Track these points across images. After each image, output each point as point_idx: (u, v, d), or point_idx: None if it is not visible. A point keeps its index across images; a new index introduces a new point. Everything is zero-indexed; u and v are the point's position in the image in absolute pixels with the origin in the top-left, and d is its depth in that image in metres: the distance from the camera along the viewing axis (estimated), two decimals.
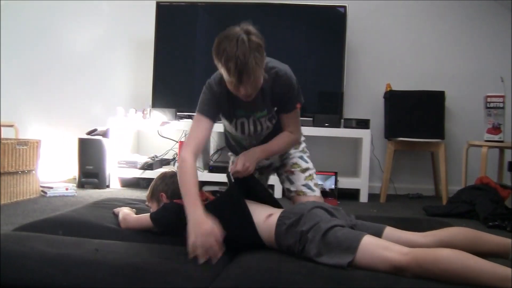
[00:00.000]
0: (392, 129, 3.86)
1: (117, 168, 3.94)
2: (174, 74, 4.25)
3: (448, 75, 4.16)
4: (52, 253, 1.40)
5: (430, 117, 3.79)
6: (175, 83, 4.27)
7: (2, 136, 3.42)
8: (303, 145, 2.18)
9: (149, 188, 1.92)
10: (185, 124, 3.96)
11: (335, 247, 1.38)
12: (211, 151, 4.33)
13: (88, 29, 4.50)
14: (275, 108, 1.85)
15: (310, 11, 3.99)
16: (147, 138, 4.45)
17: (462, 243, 1.44)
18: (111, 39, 4.49)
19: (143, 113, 4.05)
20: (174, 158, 4.24)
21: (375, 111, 4.13)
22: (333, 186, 3.56)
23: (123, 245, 1.56)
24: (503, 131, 3.55)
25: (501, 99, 3.57)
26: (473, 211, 3.09)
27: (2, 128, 3.68)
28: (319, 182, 2.94)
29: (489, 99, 3.59)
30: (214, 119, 1.78)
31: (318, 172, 2.37)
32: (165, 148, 4.33)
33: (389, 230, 1.56)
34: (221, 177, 3.68)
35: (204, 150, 4.05)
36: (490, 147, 3.52)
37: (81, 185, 3.81)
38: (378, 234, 1.52)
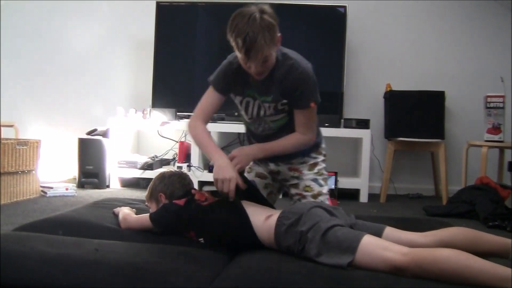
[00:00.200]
0: (392, 129, 3.86)
1: (117, 168, 3.94)
2: (174, 74, 4.25)
3: (448, 75, 4.17)
4: (52, 253, 1.40)
5: (430, 117, 3.79)
6: (175, 83, 4.27)
7: (2, 136, 3.42)
8: (319, 166, 2.03)
9: (148, 189, 1.92)
10: (185, 124, 3.95)
11: (335, 247, 1.38)
12: None
13: (88, 29, 4.50)
14: (284, 100, 1.82)
15: (310, 11, 3.98)
16: (147, 138, 4.45)
17: (462, 243, 1.44)
18: (111, 39, 4.49)
19: (143, 113, 4.04)
20: (174, 158, 4.24)
21: (375, 111, 4.13)
22: (333, 186, 3.56)
23: (123, 245, 1.56)
24: (503, 131, 3.55)
25: (501, 99, 3.57)
26: (473, 211, 3.09)
27: (2, 128, 3.68)
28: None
29: (489, 99, 3.59)
30: (224, 93, 1.89)
31: None
32: (165, 148, 4.33)
33: (389, 230, 1.56)
34: None
35: None
36: (490, 147, 3.52)
37: (81, 185, 3.81)
38: (378, 234, 1.51)
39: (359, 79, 4.23)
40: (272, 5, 1.72)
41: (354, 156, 4.16)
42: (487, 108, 3.58)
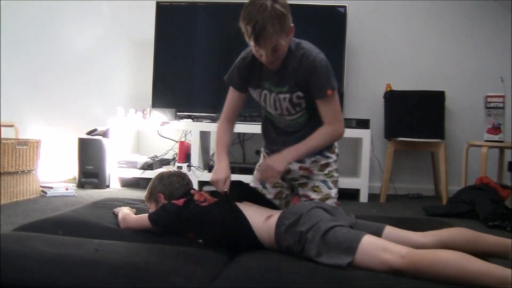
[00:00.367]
0: (392, 129, 3.86)
1: (117, 168, 3.94)
2: (174, 74, 4.25)
3: (448, 75, 4.16)
4: (52, 253, 1.40)
5: (430, 117, 3.79)
6: (175, 83, 4.27)
7: (2, 136, 3.42)
8: (330, 167, 2.01)
9: (147, 189, 1.92)
10: (185, 124, 3.96)
11: (335, 248, 1.38)
12: (211, 151, 4.33)
13: (88, 29, 4.50)
14: (299, 92, 1.82)
15: (310, 11, 3.98)
16: (147, 138, 4.45)
17: (461, 243, 1.44)
18: (111, 39, 4.49)
19: (143, 113, 4.04)
20: (174, 158, 4.24)
21: (375, 111, 4.13)
22: None
23: (123, 245, 1.56)
24: (503, 131, 3.55)
25: (501, 99, 3.57)
26: (473, 211, 3.09)
27: (2, 128, 3.68)
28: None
29: (489, 99, 3.59)
30: (241, 90, 1.94)
31: None
32: (165, 148, 4.33)
33: (389, 229, 1.56)
34: None
35: (204, 150, 4.05)
36: (490, 147, 3.52)
37: (81, 185, 3.81)
38: (378, 233, 1.52)
39: (359, 79, 4.23)
40: None
41: (354, 156, 4.16)
42: (487, 108, 3.58)
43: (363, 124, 3.82)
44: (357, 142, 3.98)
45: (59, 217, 1.95)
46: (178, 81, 4.28)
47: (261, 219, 1.60)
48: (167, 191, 1.84)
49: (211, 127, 3.95)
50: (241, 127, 3.60)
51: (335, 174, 2.02)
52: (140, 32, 4.41)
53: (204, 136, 4.06)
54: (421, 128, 3.76)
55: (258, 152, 2.22)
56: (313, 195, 1.97)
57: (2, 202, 3.02)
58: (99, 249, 1.45)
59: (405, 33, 4.26)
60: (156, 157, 4.10)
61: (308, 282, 1.28)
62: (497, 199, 3.11)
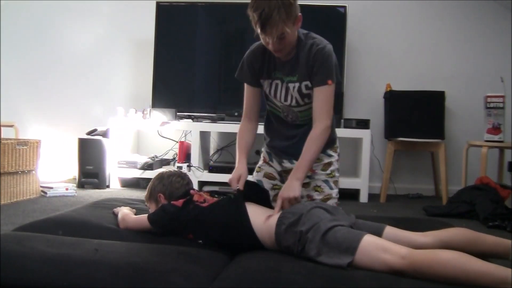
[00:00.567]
0: (392, 129, 3.86)
1: (117, 168, 3.94)
2: (174, 74, 4.25)
3: (448, 75, 4.16)
4: (52, 253, 1.40)
5: (430, 117, 3.79)
6: (175, 83, 4.27)
7: (2, 136, 3.42)
8: (332, 167, 2.01)
9: (147, 189, 1.92)
10: (185, 124, 3.96)
11: (335, 248, 1.38)
12: (211, 151, 4.33)
13: (88, 29, 4.50)
14: (308, 82, 1.83)
15: (310, 11, 3.97)
16: (147, 138, 4.45)
17: (461, 243, 1.44)
18: (111, 39, 4.49)
19: (143, 113, 4.04)
20: (174, 158, 4.24)
21: (375, 111, 4.13)
22: None
23: (123, 245, 1.56)
24: (503, 131, 3.55)
25: (501, 99, 3.56)
26: (473, 211, 3.09)
27: (2, 128, 3.69)
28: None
29: (489, 99, 3.59)
30: (253, 84, 1.94)
31: None
32: (165, 148, 4.33)
33: (389, 230, 1.56)
34: (221, 177, 3.68)
35: (204, 150, 4.05)
36: (490, 147, 3.52)
37: (81, 185, 3.81)
38: (379, 233, 1.52)
39: (359, 79, 4.23)
40: None
41: (354, 156, 4.16)
42: (487, 108, 3.58)
43: (363, 124, 3.82)
44: (357, 142, 3.98)
45: (59, 217, 1.94)
46: (178, 81, 4.28)
47: (261, 219, 1.60)
48: (167, 191, 1.84)
49: (211, 127, 3.95)
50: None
51: (337, 174, 2.03)
52: (140, 32, 4.41)
53: (204, 136, 4.06)
54: (421, 128, 3.76)
55: (258, 152, 2.21)
56: (315, 195, 1.97)
57: (2, 202, 3.02)
58: (99, 249, 1.45)
59: (405, 33, 4.26)
60: (156, 157, 4.10)
61: (308, 282, 1.28)
62: (497, 199, 3.11)
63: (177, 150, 4.11)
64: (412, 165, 4.26)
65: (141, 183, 3.98)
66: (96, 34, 4.50)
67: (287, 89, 1.88)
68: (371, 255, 1.34)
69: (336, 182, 2.02)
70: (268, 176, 2.08)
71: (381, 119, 4.09)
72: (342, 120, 3.94)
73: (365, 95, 4.24)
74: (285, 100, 1.90)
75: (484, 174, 3.45)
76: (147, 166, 3.90)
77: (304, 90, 1.86)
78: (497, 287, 1.18)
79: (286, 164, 2.02)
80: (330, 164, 2.00)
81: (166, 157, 4.30)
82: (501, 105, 3.55)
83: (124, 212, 1.90)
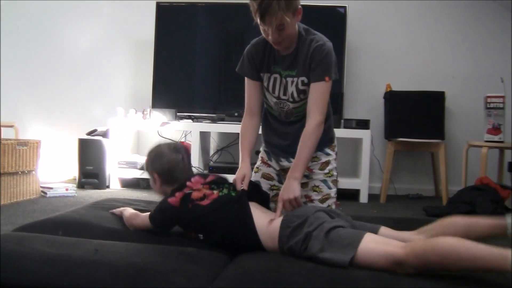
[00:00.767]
0: (392, 130, 3.86)
1: (117, 169, 3.94)
2: (174, 74, 4.25)
3: (448, 75, 4.16)
4: (52, 253, 1.40)
5: (430, 117, 3.78)
6: (175, 83, 4.27)
7: (2, 137, 3.42)
8: (330, 166, 2.00)
9: (146, 160, 1.86)
10: (185, 125, 3.96)
11: (338, 243, 1.40)
12: (211, 152, 4.33)
13: (88, 30, 4.51)
14: (304, 77, 1.83)
15: (310, 11, 3.97)
16: (147, 138, 4.45)
17: (457, 232, 1.44)
18: (111, 39, 4.49)
19: (143, 113, 4.04)
20: None
21: (375, 111, 4.13)
22: None
23: (123, 245, 1.55)
24: (503, 132, 3.54)
25: (501, 100, 3.56)
26: (473, 211, 3.09)
27: (2, 128, 3.69)
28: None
29: (489, 100, 3.59)
30: (254, 78, 1.93)
31: None
32: None
33: (383, 230, 1.58)
34: None
35: (204, 150, 4.05)
36: (490, 147, 3.52)
37: (81, 185, 3.81)
38: (374, 233, 1.53)
39: (359, 79, 4.23)
40: None
41: (354, 156, 4.16)
42: (487, 108, 3.58)
43: (363, 124, 3.82)
44: (357, 142, 3.98)
45: (59, 218, 1.94)
46: (178, 81, 4.28)
47: (264, 222, 1.59)
48: (165, 176, 1.78)
49: (211, 128, 3.95)
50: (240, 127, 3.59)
51: (335, 173, 2.02)
52: (140, 32, 4.41)
53: (204, 137, 4.06)
54: (421, 128, 3.75)
55: (258, 153, 2.20)
56: (314, 196, 1.97)
57: (2, 202, 3.01)
58: (99, 249, 1.45)
59: (405, 33, 4.26)
60: None
61: (308, 282, 1.28)
62: (497, 200, 3.11)
63: None
64: (412, 165, 4.26)
65: (141, 183, 3.98)
66: (96, 35, 4.50)
67: (286, 83, 1.88)
68: (374, 249, 1.35)
69: (334, 181, 2.01)
70: (266, 176, 2.08)
71: (381, 119, 4.09)
72: (342, 120, 3.94)
73: (365, 95, 4.24)
74: (284, 94, 1.90)
75: (484, 175, 3.45)
76: None
77: (300, 86, 1.86)
78: (498, 266, 1.19)
79: (284, 162, 2.02)
80: (328, 163, 2.00)
81: None
82: (501, 105, 3.55)
83: (131, 211, 1.88)
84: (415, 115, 3.79)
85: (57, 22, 4.53)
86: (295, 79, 1.85)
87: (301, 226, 1.50)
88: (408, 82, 4.08)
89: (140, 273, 1.31)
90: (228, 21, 4.21)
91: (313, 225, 1.47)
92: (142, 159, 3.99)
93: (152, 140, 4.28)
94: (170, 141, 1.95)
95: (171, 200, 1.68)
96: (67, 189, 3.48)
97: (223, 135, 4.29)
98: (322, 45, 1.80)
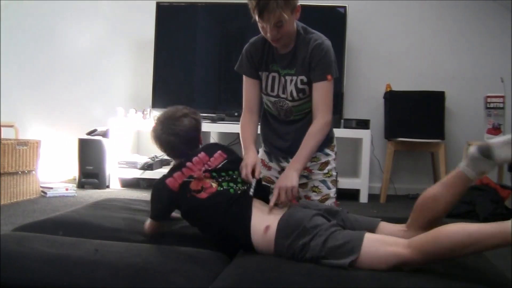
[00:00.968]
0: (392, 130, 3.86)
1: (117, 169, 3.94)
2: (174, 74, 4.25)
3: (448, 75, 4.16)
4: (52, 253, 1.40)
5: (430, 117, 3.79)
6: (175, 83, 4.27)
7: (2, 136, 3.43)
8: (329, 166, 2.00)
9: (152, 127, 1.83)
10: None
11: (337, 251, 1.37)
12: None
13: (88, 30, 4.50)
14: (304, 76, 1.83)
15: (310, 11, 3.97)
16: (147, 138, 4.44)
17: (437, 204, 1.45)
18: (111, 39, 4.49)
19: (143, 113, 4.05)
20: None
21: (375, 111, 4.13)
22: None
23: (123, 245, 1.55)
24: (503, 132, 3.55)
25: (501, 100, 3.57)
26: (473, 211, 3.09)
27: (2, 128, 3.69)
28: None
29: (489, 100, 3.59)
30: (252, 76, 1.92)
31: None
32: None
33: (383, 225, 1.56)
34: None
35: None
36: None
37: (81, 185, 3.81)
38: (373, 228, 1.53)
39: (359, 79, 4.23)
40: None
41: (354, 156, 4.16)
42: (487, 108, 3.58)
43: (363, 124, 3.82)
44: (357, 142, 3.98)
45: (59, 218, 1.95)
46: (178, 81, 4.28)
47: (261, 228, 1.51)
48: (169, 148, 1.77)
49: (211, 128, 3.95)
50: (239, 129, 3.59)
51: (334, 173, 2.02)
52: (140, 32, 4.41)
53: (204, 137, 4.05)
54: (421, 128, 3.76)
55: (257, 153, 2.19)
56: (313, 196, 1.97)
57: (2, 202, 3.02)
58: (99, 249, 1.45)
59: (405, 33, 4.26)
60: (156, 157, 4.10)
61: (308, 282, 1.27)
62: (497, 200, 3.11)
63: None
64: (412, 165, 4.26)
65: (141, 183, 3.98)
66: (96, 35, 4.50)
67: (284, 82, 1.88)
68: (375, 251, 1.34)
69: (334, 181, 2.01)
70: (266, 180, 2.06)
71: (381, 119, 4.09)
72: (342, 120, 3.94)
73: (365, 95, 4.24)
74: (283, 93, 1.89)
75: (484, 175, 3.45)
76: (147, 166, 3.90)
77: (299, 85, 1.86)
78: (501, 242, 1.20)
79: (284, 163, 2.01)
80: (327, 163, 2.00)
81: (166, 157, 4.30)
82: (501, 105, 3.55)
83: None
84: (415, 115, 3.79)
85: (57, 22, 4.52)
86: (294, 77, 1.85)
87: (298, 238, 1.44)
88: (408, 82, 4.08)
89: (140, 273, 1.31)
90: (228, 21, 4.21)
91: (310, 235, 1.42)
92: (142, 159, 4.00)
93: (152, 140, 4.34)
94: (182, 107, 1.88)
95: (169, 181, 1.63)
96: (67, 189, 3.48)
97: (223, 135, 4.29)
98: (321, 44, 1.80)
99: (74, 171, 3.99)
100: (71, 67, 4.50)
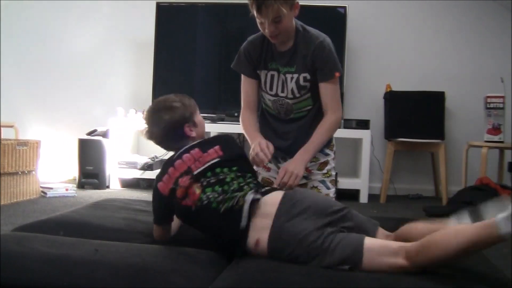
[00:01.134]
0: (392, 130, 3.86)
1: (117, 169, 3.94)
2: (174, 74, 4.25)
3: (448, 75, 4.16)
4: (52, 253, 1.40)
5: (430, 117, 3.79)
6: (175, 83, 4.26)
7: (2, 137, 3.42)
8: (329, 166, 2.00)
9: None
10: None
11: (336, 266, 1.34)
12: None
13: (88, 30, 4.50)
14: (306, 74, 1.83)
15: (310, 11, 3.97)
16: None
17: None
18: (111, 39, 4.49)
19: (143, 113, 4.03)
20: None
21: (375, 112, 4.13)
22: None
23: (123, 245, 1.55)
24: (503, 132, 3.54)
25: (501, 100, 3.57)
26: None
27: (2, 128, 3.69)
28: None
29: (489, 100, 3.59)
30: (249, 75, 1.94)
31: None
32: None
33: (380, 232, 1.55)
34: None
35: None
36: (490, 147, 3.52)
37: (81, 185, 3.81)
38: (374, 232, 1.51)
39: (359, 79, 4.23)
40: None
41: (354, 156, 4.16)
42: (487, 108, 3.58)
43: (363, 124, 3.82)
44: (357, 142, 3.98)
45: (59, 218, 1.94)
46: (178, 81, 4.28)
47: (251, 241, 1.45)
48: (154, 141, 1.70)
49: (211, 128, 3.95)
50: (240, 128, 3.59)
51: (333, 173, 2.02)
52: (140, 32, 4.41)
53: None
54: (421, 128, 3.76)
55: None
56: None
57: (2, 202, 3.01)
58: (99, 249, 1.45)
59: (405, 34, 4.26)
60: (156, 157, 4.10)
61: (308, 282, 1.27)
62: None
63: None
64: (412, 165, 4.26)
65: (141, 183, 3.98)
66: (96, 34, 4.50)
67: (284, 80, 1.87)
68: (375, 262, 1.32)
69: (333, 181, 2.01)
70: (265, 181, 2.06)
71: (381, 120, 4.09)
72: (342, 120, 3.94)
73: (365, 95, 4.24)
74: (282, 91, 1.89)
75: (484, 175, 3.45)
76: (147, 167, 3.90)
77: (302, 82, 1.86)
78: (489, 240, 1.21)
79: (282, 164, 2.00)
80: (326, 163, 2.00)
81: (166, 157, 4.28)
82: (501, 105, 3.55)
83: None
84: (415, 115, 3.79)
85: (57, 22, 4.52)
86: (295, 75, 1.85)
87: (291, 255, 1.39)
88: (408, 82, 4.08)
89: (140, 273, 1.31)
90: (228, 21, 4.21)
91: (304, 253, 1.37)
92: (142, 159, 4.00)
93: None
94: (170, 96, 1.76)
95: (160, 186, 1.58)
96: (67, 189, 3.48)
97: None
98: (322, 42, 1.81)
99: (74, 171, 3.99)
100: (71, 67, 4.50)
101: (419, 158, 4.22)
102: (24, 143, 3.26)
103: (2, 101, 4.38)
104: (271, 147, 1.77)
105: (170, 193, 1.56)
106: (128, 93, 4.47)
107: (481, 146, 3.54)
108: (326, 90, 1.85)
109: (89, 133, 3.97)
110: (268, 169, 2.07)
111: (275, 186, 1.63)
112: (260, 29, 1.78)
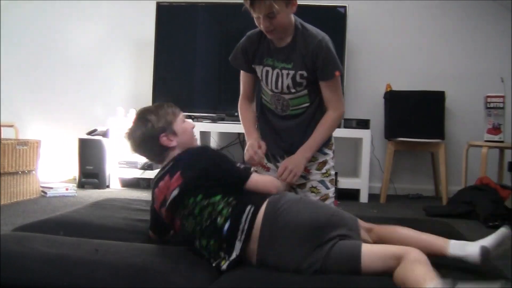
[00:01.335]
0: (392, 130, 3.86)
1: (117, 168, 3.94)
2: (174, 74, 4.25)
3: (448, 75, 4.16)
4: (52, 253, 1.40)
5: (430, 117, 3.79)
6: (175, 83, 4.27)
7: (2, 136, 3.42)
8: (327, 165, 1.98)
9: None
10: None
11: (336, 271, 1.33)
12: None
13: (88, 30, 4.50)
14: (303, 71, 1.83)
15: (310, 11, 3.97)
16: None
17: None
18: (111, 39, 4.49)
19: None
20: None
21: (375, 111, 4.13)
22: None
23: (123, 245, 1.55)
24: (503, 132, 3.55)
25: (501, 99, 3.57)
26: (473, 211, 3.09)
27: (2, 128, 3.68)
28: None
29: (489, 99, 3.59)
30: (246, 68, 1.95)
31: None
32: None
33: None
34: None
35: None
36: (490, 147, 3.52)
37: (81, 185, 3.81)
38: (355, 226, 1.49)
39: (359, 79, 4.23)
40: None
41: (354, 156, 4.16)
42: (487, 108, 3.58)
43: (363, 124, 3.82)
44: (357, 142, 3.98)
45: (59, 218, 1.95)
46: (178, 81, 4.28)
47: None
48: (141, 155, 1.72)
49: (211, 128, 3.95)
50: (240, 127, 3.59)
51: (332, 172, 2.01)
52: (140, 32, 4.41)
53: (204, 137, 4.05)
54: (421, 128, 3.75)
55: None
56: (312, 197, 1.95)
57: (2, 202, 3.01)
58: (99, 249, 1.45)
59: (405, 33, 4.25)
60: None
61: (308, 282, 1.27)
62: (497, 200, 3.11)
63: None
64: (412, 165, 4.26)
65: (141, 183, 3.98)
66: (96, 35, 4.50)
67: (278, 76, 1.86)
68: (374, 268, 1.31)
69: (332, 181, 2.00)
70: None
71: (381, 119, 4.09)
72: (342, 120, 3.94)
73: (365, 95, 4.24)
74: (276, 87, 1.89)
75: (484, 175, 3.45)
76: (147, 166, 3.90)
77: (298, 79, 1.85)
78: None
79: (281, 164, 2.00)
80: (325, 162, 1.99)
81: None
82: (501, 105, 3.55)
83: None
84: (415, 115, 3.79)
85: (57, 22, 4.52)
86: (291, 71, 1.84)
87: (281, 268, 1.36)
88: (408, 82, 4.08)
89: (140, 273, 1.31)
90: (228, 21, 4.21)
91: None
92: (142, 159, 3.99)
93: None
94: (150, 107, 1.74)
95: (154, 203, 1.62)
96: (67, 189, 3.48)
97: (223, 135, 4.29)
98: (321, 41, 1.80)
99: (74, 171, 3.99)
100: (71, 67, 4.50)
101: (419, 158, 4.22)
102: (24, 143, 3.26)
103: (2, 101, 4.38)
104: (263, 146, 1.84)
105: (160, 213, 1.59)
106: (128, 93, 4.47)
107: (481, 146, 3.54)
108: (328, 88, 1.86)
109: (89, 133, 3.97)
110: (268, 169, 2.07)
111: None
112: (256, 23, 1.78)
